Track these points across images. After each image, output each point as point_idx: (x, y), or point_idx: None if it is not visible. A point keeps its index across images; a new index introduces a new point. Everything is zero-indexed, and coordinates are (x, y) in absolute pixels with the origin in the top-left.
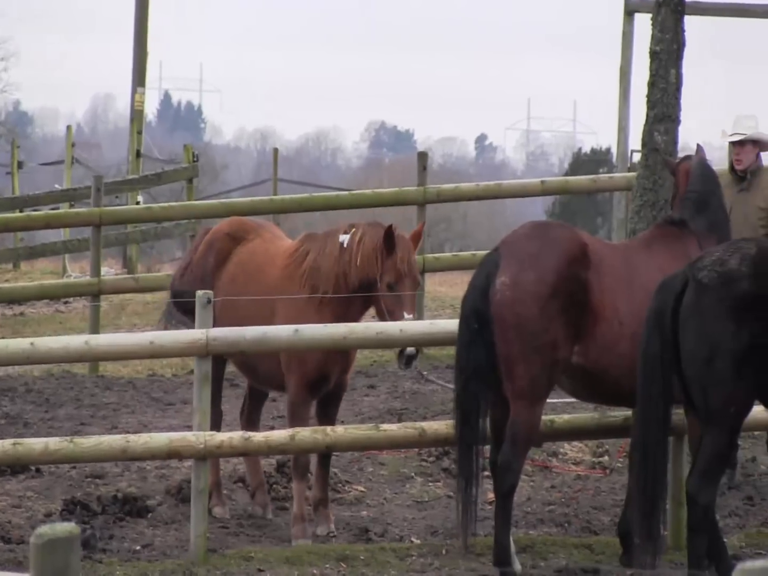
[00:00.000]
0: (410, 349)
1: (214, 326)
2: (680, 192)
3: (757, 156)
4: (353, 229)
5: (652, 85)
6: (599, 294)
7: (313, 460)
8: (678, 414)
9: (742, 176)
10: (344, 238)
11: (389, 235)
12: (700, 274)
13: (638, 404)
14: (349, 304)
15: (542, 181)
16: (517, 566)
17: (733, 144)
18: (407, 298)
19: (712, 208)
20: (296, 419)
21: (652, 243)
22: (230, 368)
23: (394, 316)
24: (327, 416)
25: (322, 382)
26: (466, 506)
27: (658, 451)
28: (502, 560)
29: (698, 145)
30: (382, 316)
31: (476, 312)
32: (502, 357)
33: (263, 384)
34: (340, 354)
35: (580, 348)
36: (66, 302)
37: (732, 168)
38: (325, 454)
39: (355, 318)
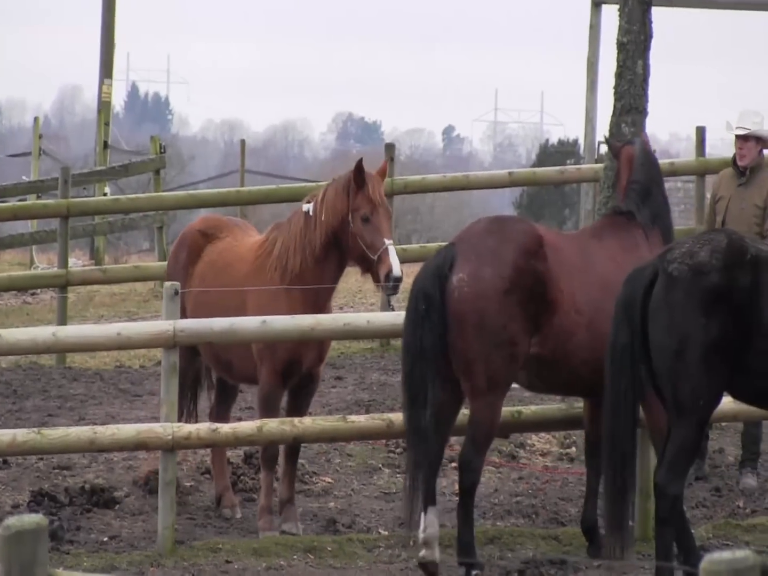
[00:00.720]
0: (396, 272)
1: None
2: (622, 179)
3: (760, 152)
4: (315, 196)
5: (619, 76)
6: (556, 285)
7: (281, 456)
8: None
9: (743, 171)
10: (308, 207)
11: (360, 168)
12: (670, 266)
13: (606, 395)
14: (321, 276)
15: (510, 173)
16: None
17: (737, 138)
18: (383, 225)
19: (654, 198)
20: (268, 409)
21: (602, 233)
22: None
23: (375, 246)
24: (298, 410)
25: (294, 369)
26: (411, 494)
27: (627, 442)
28: (465, 554)
29: (644, 133)
30: (361, 258)
31: (426, 295)
32: (460, 355)
33: (236, 377)
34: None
35: (538, 339)
36: (33, 294)
37: (734, 162)
38: (293, 451)
39: (329, 294)
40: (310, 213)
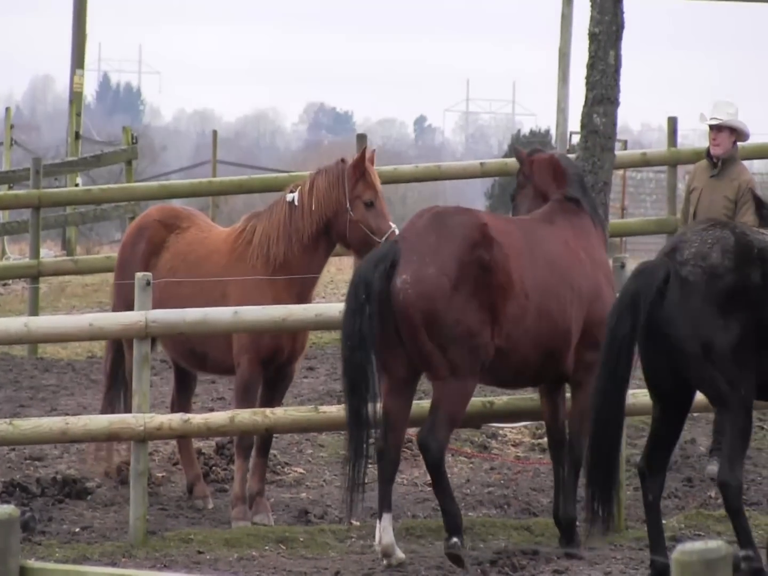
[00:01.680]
0: None
1: None
2: (537, 182)
3: (734, 144)
4: (299, 186)
5: (591, 66)
6: (503, 270)
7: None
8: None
9: (715, 163)
10: (292, 197)
11: (362, 157)
12: (683, 269)
13: (599, 381)
14: (307, 265)
15: (481, 163)
16: (400, 555)
17: (710, 129)
18: (385, 210)
19: (588, 191)
20: (246, 399)
21: (554, 217)
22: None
23: (382, 230)
24: (271, 403)
25: (274, 360)
26: (353, 481)
27: (615, 428)
28: (454, 530)
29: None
30: (364, 244)
31: (366, 284)
32: (414, 350)
33: (211, 369)
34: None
35: (497, 328)
36: (5, 284)
37: (708, 153)
38: (265, 443)
39: (313, 283)
40: (296, 202)
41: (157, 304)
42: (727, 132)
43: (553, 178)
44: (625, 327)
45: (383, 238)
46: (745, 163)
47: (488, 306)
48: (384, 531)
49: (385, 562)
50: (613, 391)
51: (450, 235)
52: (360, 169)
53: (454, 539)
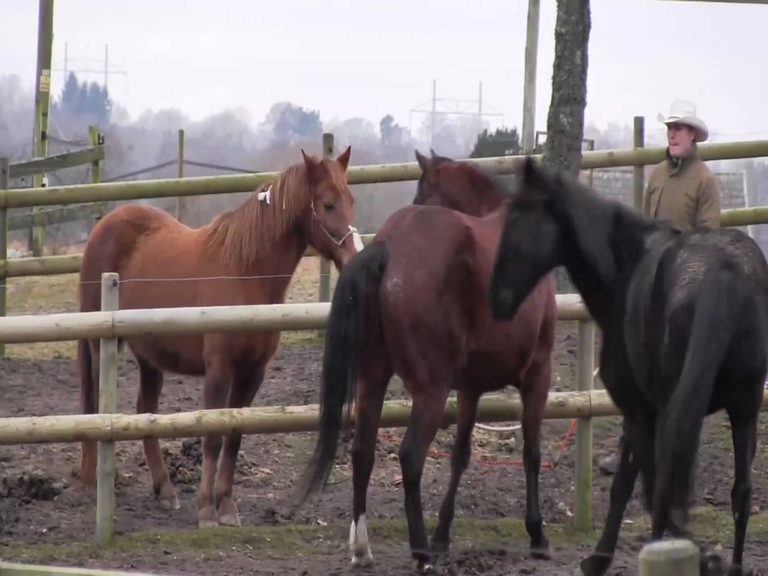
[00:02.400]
0: None
1: None
2: (447, 192)
3: (693, 143)
4: (271, 184)
5: (557, 66)
6: (484, 275)
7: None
8: (584, 395)
9: (675, 162)
10: (264, 195)
11: (317, 160)
12: (745, 285)
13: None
14: (279, 264)
15: None
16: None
17: (669, 127)
18: (347, 212)
19: None
20: (217, 399)
21: None
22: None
23: (340, 233)
24: (241, 404)
25: (246, 360)
26: (317, 481)
27: (700, 415)
28: (419, 545)
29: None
30: (325, 245)
31: (354, 285)
32: (398, 354)
33: (181, 369)
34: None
35: (474, 333)
36: None
37: (668, 153)
38: (233, 443)
39: (286, 282)
40: (267, 201)
41: (128, 305)
42: (686, 130)
43: (472, 186)
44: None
45: (340, 241)
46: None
47: (468, 310)
48: (359, 532)
49: (354, 560)
50: (706, 381)
51: (436, 236)
52: (322, 169)
53: (427, 566)
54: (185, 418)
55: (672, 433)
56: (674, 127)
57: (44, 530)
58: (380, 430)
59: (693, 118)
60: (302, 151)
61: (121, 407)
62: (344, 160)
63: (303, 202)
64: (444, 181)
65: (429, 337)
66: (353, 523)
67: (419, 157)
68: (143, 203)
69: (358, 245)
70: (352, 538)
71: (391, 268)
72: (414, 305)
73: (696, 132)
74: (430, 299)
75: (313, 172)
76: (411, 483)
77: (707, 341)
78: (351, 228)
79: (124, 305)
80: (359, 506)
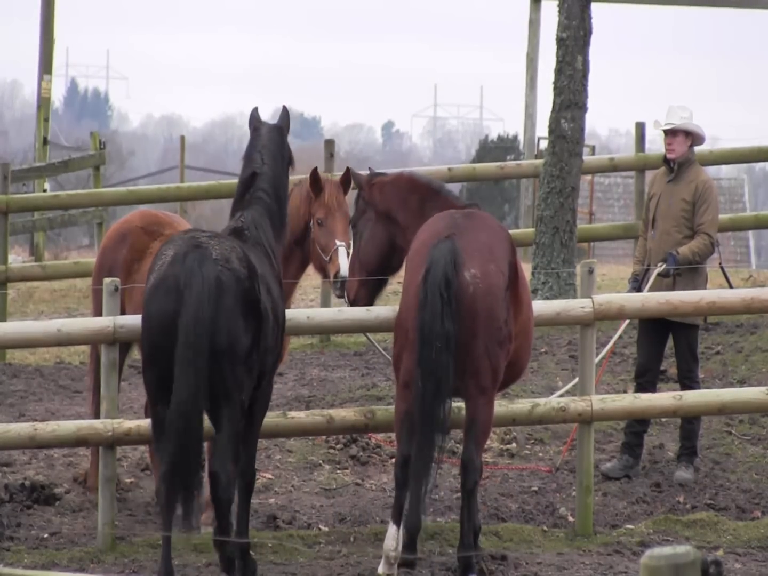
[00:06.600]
0: (343, 272)
1: None
2: (382, 205)
3: (690, 148)
4: None
5: (558, 72)
6: (521, 277)
7: None
8: (585, 400)
9: (672, 167)
10: None
11: (314, 177)
12: None
13: None
14: (284, 274)
15: (449, 168)
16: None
17: (665, 134)
18: (337, 228)
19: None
20: None
21: None
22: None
23: (328, 247)
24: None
25: None
26: (424, 485)
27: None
28: (466, 549)
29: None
30: (318, 262)
31: (447, 282)
32: (468, 352)
33: None
34: None
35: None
36: None
37: (665, 158)
38: None
39: (291, 289)
40: None
41: (138, 309)
42: (682, 136)
43: (412, 194)
44: None
45: (328, 256)
46: (742, 166)
47: (513, 312)
48: (399, 541)
49: (384, 569)
50: None
51: (496, 235)
52: (316, 188)
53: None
54: None
55: None
56: (671, 133)
57: (46, 535)
58: (381, 435)
59: (689, 123)
60: (315, 169)
61: (123, 412)
62: (343, 179)
63: (303, 220)
64: (377, 195)
65: (495, 334)
66: (396, 527)
67: (353, 174)
68: (144, 208)
69: (343, 259)
70: (392, 544)
71: (467, 260)
72: (491, 298)
73: (693, 137)
74: (500, 294)
75: (313, 190)
76: (470, 491)
77: None
78: (338, 242)
79: (136, 310)
80: (400, 511)
